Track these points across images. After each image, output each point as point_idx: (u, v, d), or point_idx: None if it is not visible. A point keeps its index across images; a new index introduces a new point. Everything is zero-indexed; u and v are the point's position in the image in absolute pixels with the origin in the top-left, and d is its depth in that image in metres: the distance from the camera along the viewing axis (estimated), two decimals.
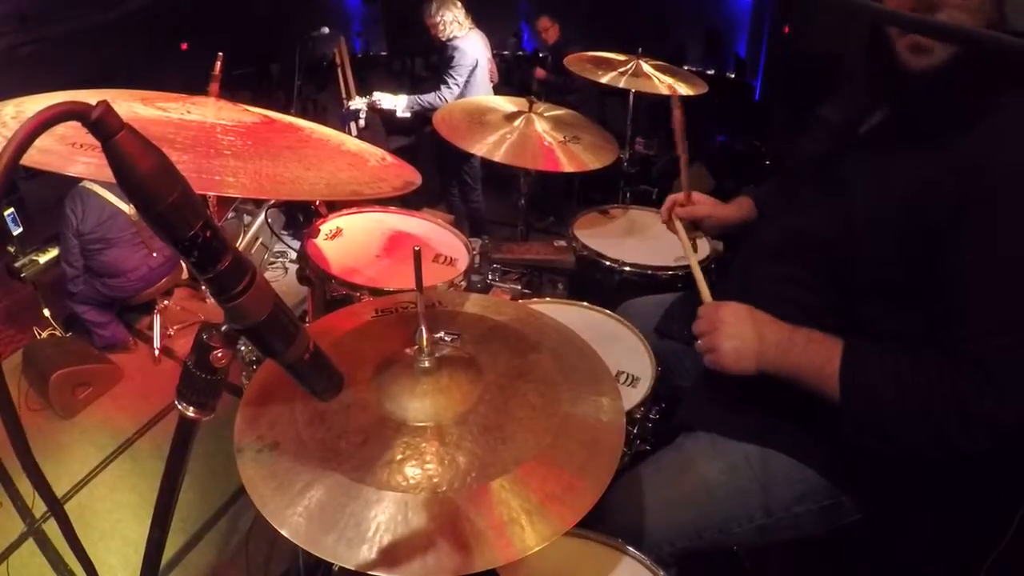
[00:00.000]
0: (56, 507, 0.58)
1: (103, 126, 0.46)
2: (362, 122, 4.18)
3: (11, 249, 3.39)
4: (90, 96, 0.55)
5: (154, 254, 3.43)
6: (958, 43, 1.00)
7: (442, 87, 4.06)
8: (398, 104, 4.13)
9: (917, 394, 1.03)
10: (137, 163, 0.47)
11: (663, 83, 2.81)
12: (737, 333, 1.18)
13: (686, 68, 3.17)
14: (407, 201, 2.18)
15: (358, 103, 4.14)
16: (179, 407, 0.63)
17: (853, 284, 1.15)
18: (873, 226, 1.10)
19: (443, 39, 4.07)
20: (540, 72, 5.71)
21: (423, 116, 4.39)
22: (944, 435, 1.00)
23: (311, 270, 1.82)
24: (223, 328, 0.60)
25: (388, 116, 4.51)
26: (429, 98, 4.08)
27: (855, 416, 1.08)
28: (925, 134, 1.09)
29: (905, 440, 1.06)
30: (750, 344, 1.17)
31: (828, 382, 1.10)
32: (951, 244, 1.01)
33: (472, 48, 4.07)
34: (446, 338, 1.10)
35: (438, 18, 4.00)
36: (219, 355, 0.60)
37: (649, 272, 2.02)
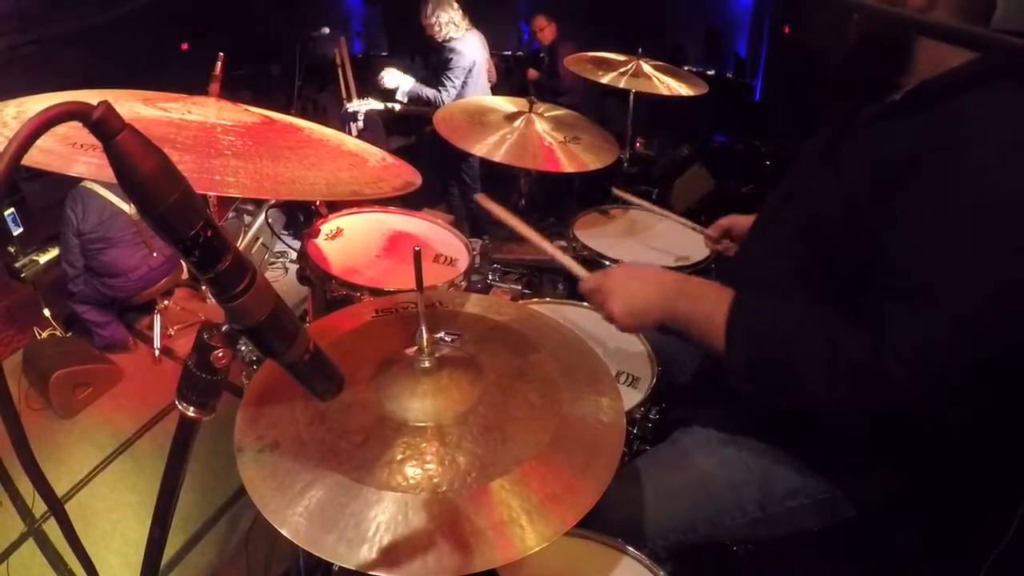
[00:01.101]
0: (56, 506, 0.58)
1: (104, 126, 0.46)
2: (360, 123, 4.17)
3: (11, 249, 3.39)
4: (92, 96, 0.55)
5: (154, 254, 3.43)
6: (951, 42, 1.00)
7: (440, 89, 4.05)
8: (402, 84, 4.09)
9: (801, 332, 1.04)
10: (138, 163, 0.47)
11: (663, 83, 2.82)
12: (624, 296, 1.22)
13: (686, 68, 3.17)
14: (407, 201, 2.19)
15: (356, 105, 4.13)
16: (180, 407, 0.63)
17: (840, 275, 1.14)
18: (853, 200, 1.10)
19: (439, 40, 4.06)
20: (532, 73, 5.71)
21: (423, 116, 4.40)
22: (831, 378, 1.00)
23: (311, 270, 1.82)
24: (224, 328, 0.60)
25: (388, 116, 4.50)
26: (429, 92, 4.08)
27: (738, 359, 1.09)
28: (916, 108, 1.09)
29: (792, 384, 1.06)
30: (639, 303, 1.21)
31: (715, 330, 1.11)
32: (896, 209, 1.01)
33: (469, 49, 4.06)
34: (446, 338, 1.10)
35: (433, 19, 4.00)
36: (220, 355, 0.60)
37: None
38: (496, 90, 4.53)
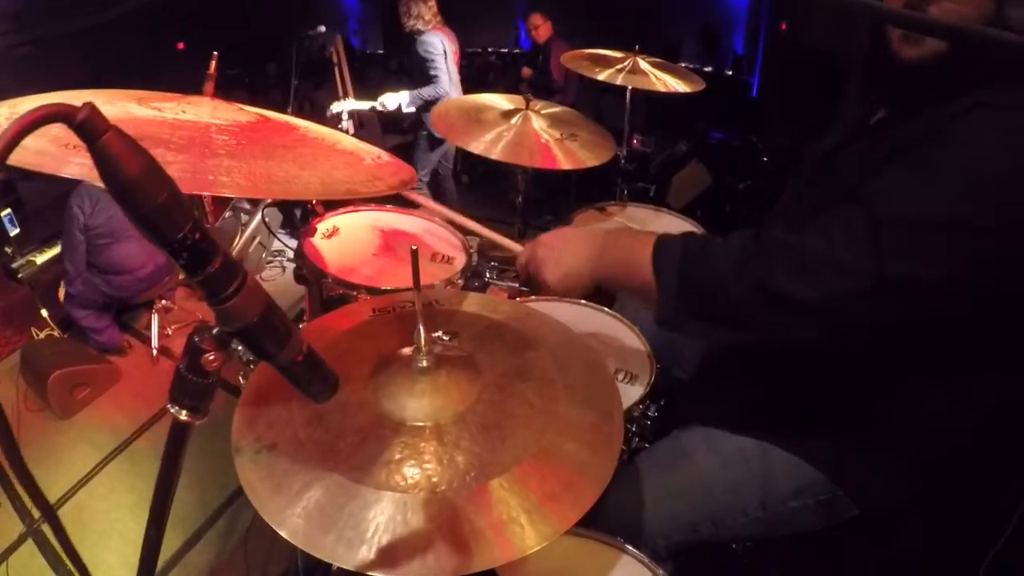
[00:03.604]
0: (49, 513, 0.57)
1: (89, 128, 0.45)
2: (345, 124, 4.23)
3: (8, 250, 3.39)
4: (86, 96, 0.55)
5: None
6: (946, 39, 1.00)
7: (434, 82, 4.17)
8: (402, 100, 4.22)
9: (732, 248, 1.05)
10: (124, 165, 0.47)
11: (660, 80, 2.81)
12: (557, 263, 1.23)
13: (683, 65, 3.16)
14: (405, 200, 2.18)
15: (339, 106, 4.20)
16: (172, 411, 0.62)
17: None
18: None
19: (407, 30, 4.22)
20: (526, 71, 5.71)
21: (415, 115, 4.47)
22: (773, 282, 0.99)
23: (308, 269, 1.81)
24: (215, 331, 0.60)
25: (386, 115, 4.52)
26: (428, 91, 4.18)
27: (670, 291, 1.09)
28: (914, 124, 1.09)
29: (726, 300, 1.05)
30: (572, 267, 1.22)
31: (643, 269, 1.11)
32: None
33: (437, 40, 4.19)
34: (444, 337, 1.10)
35: (404, 7, 4.17)
36: (211, 358, 0.60)
37: None
38: (492, 88, 4.54)
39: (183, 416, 0.62)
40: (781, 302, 0.99)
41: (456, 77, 4.41)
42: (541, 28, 5.49)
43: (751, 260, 1.01)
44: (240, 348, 1.71)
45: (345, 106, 4.24)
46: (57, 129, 0.44)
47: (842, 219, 0.97)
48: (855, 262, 0.94)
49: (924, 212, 0.94)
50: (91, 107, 0.44)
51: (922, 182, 0.96)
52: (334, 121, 4.21)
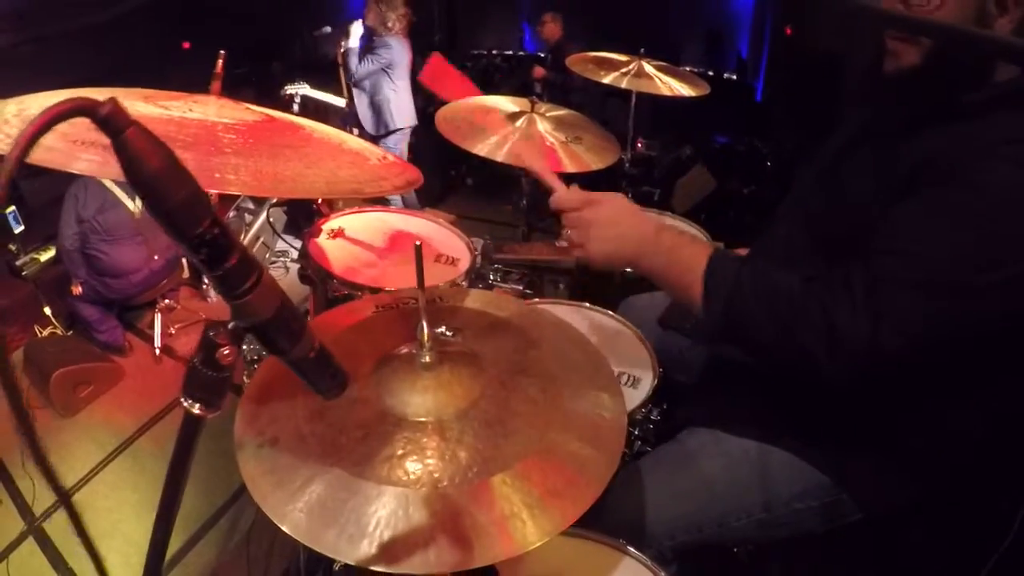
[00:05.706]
0: (63, 496, 0.58)
1: (112, 123, 0.46)
2: (296, 108, 4.31)
3: (12, 247, 3.40)
4: (93, 94, 0.56)
5: (155, 257, 3.44)
6: (947, 41, 1.01)
7: (360, 64, 4.42)
8: (353, 40, 4.59)
9: (779, 296, 1.05)
10: (146, 160, 0.48)
11: (665, 84, 2.82)
12: (607, 236, 1.18)
13: (687, 69, 3.17)
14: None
15: (293, 88, 4.31)
16: (185, 404, 0.63)
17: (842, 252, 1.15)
18: (856, 216, 1.11)
19: (374, 30, 4.38)
20: (539, 71, 5.69)
21: (421, 114, 4.50)
22: (805, 344, 1.01)
23: (313, 269, 1.82)
24: (230, 326, 0.61)
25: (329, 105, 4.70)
26: (354, 62, 4.46)
27: (716, 315, 1.10)
28: (897, 133, 1.11)
29: (765, 343, 1.08)
30: (617, 248, 1.18)
31: (693, 285, 1.12)
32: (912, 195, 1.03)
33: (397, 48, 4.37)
34: (447, 333, 1.10)
35: (372, 9, 4.33)
36: (226, 352, 0.61)
37: None
38: (498, 90, 4.56)
39: (196, 410, 0.63)
40: (810, 363, 1.02)
41: (407, 83, 4.60)
42: (548, 26, 5.48)
43: (793, 322, 1.03)
44: (244, 348, 1.72)
45: (299, 89, 4.32)
46: (65, 125, 0.45)
47: (853, 280, 1.00)
48: (860, 334, 0.97)
49: (930, 273, 0.97)
50: (114, 102, 0.45)
51: (934, 231, 0.98)
52: (286, 103, 4.25)
